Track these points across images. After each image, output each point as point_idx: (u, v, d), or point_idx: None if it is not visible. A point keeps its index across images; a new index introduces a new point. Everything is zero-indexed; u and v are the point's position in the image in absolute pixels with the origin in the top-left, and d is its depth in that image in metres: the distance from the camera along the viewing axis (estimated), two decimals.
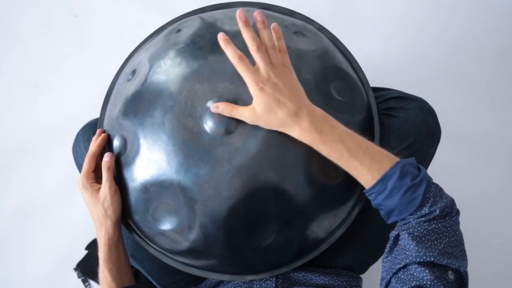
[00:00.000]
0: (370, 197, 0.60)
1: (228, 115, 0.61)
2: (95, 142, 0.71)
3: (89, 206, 0.70)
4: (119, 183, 0.69)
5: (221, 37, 0.60)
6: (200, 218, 0.63)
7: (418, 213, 0.57)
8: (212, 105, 0.62)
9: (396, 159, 0.59)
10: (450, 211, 0.57)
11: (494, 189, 1.15)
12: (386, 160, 0.58)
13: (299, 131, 0.59)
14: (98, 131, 0.73)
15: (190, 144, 0.62)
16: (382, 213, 0.62)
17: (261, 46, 0.59)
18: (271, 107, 0.58)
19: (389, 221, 0.61)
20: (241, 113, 0.60)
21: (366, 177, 0.58)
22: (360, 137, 0.60)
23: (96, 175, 0.71)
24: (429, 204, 0.56)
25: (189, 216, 0.64)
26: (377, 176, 0.57)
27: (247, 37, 0.59)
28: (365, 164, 0.58)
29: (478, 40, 1.26)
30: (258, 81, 0.58)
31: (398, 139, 0.74)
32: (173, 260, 0.72)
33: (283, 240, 0.67)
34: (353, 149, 0.58)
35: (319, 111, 0.60)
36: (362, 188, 0.71)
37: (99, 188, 0.69)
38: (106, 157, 0.69)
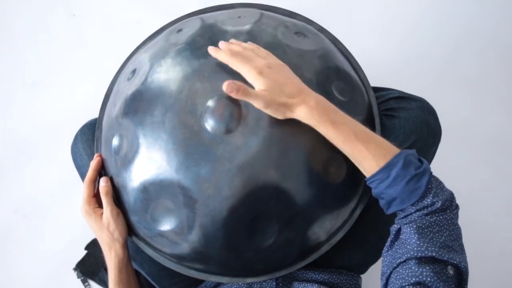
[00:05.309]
0: (372, 185, 0.60)
1: (241, 96, 0.57)
2: (91, 167, 0.71)
3: (95, 231, 0.71)
4: (118, 183, 0.69)
5: (209, 49, 0.63)
6: (200, 218, 0.63)
7: (420, 203, 0.56)
8: (225, 83, 0.57)
9: (398, 149, 0.59)
10: (450, 205, 0.57)
11: (494, 188, 1.15)
12: (390, 148, 0.58)
13: (307, 111, 0.58)
14: (95, 155, 0.73)
15: (190, 143, 0.62)
16: (382, 202, 0.61)
17: (244, 48, 0.62)
18: (274, 88, 0.58)
19: (389, 211, 0.61)
20: (256, 94, 0.58)
21: (371, 163, 0.58)
22: (362, 125, 0.60)
23: (97, 200, 0.71)
24: (431, 195, 0.56)
25: (189, 216, 0.63)
26: (382, 163, 0.57)
27: (222, 53, 0.62)
28: (371, 149, 0.57)
29: (479, 39, 1.26)
30: (255, 67, 0.59)
31: (399, 139, 0.74)
32: (172, 262, 0.72)
33: (284, 241, 0.66)
34: (359, 133, 0.58)
35: (319, 96, 0.60)
36: (364, 189, 0.71)
37: (103, 212, 0.69)
38: (102, 182, 0.69)
